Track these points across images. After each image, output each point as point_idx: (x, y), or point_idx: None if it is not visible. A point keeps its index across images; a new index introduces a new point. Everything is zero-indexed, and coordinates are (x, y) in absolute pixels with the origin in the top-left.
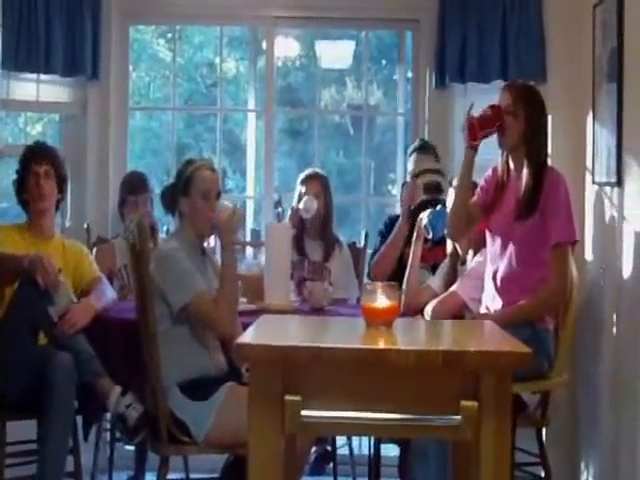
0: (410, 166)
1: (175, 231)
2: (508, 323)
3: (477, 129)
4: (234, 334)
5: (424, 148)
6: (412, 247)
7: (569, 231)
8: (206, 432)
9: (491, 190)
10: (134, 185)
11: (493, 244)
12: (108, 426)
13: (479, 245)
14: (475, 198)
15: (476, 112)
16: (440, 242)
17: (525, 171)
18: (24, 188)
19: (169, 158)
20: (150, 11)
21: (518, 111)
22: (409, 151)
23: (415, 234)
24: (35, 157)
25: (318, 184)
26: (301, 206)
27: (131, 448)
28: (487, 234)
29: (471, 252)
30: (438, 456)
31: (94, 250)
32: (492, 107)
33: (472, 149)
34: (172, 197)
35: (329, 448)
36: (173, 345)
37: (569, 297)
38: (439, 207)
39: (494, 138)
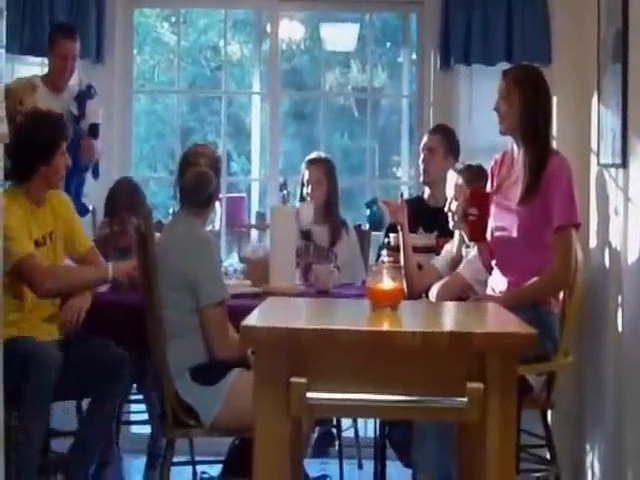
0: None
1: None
2: (512, 305)
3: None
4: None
5: (433, 131)
6: (400, 233)
7: (571, 214)
8: (214, 417)
9: (499, 174)
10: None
11: (498, 227)
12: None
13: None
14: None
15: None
16: (380, 226)
17: (523, 155)
18: (47, 162)
19: (174, 141)
20: None
21: (512, 96)
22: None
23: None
24: (65, 135)
25: (321, 169)
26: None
27: (140, 431)
28: (492, 216)
29: None
30: (437, 437)
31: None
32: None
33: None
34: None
35: (333, 430)
36: (188, 332)
37: (574, 279)
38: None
39: (496, 123)
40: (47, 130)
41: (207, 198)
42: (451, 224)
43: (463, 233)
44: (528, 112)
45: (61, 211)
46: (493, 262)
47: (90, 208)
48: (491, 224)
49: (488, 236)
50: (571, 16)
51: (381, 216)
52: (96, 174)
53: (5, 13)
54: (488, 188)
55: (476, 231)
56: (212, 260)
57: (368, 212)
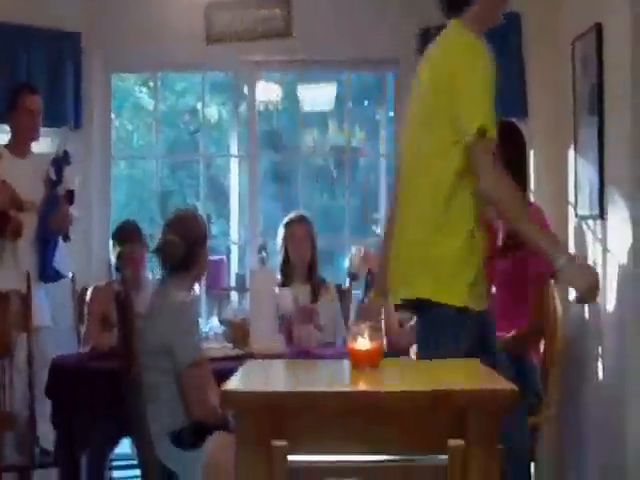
0: None
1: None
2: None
3: None
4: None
5: None
6: None
7: (545, 262)
8: None
9: None
10: (127, 235)
11: None
12: None
13: None
14: None
15: None
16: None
17: None
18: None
19: (153, 205)
20: (132, 59)
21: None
22: None
23: None
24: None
25: (304, 228)
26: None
27: None
28: None
29: None
30: None
31: (88, 293)
32: None
33: None
34: None
35: None
36: (167, 396)
37: (554, 331)
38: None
39: None
40: None
41: (179, 265)
42: None
43: None
44: (509, 165)
45: None
46: None
47: (70, 275)
48: None
49: None
50: (546, 70)
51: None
52: (66, 238)
53: None
54: None
55: None
56: (185, 322)
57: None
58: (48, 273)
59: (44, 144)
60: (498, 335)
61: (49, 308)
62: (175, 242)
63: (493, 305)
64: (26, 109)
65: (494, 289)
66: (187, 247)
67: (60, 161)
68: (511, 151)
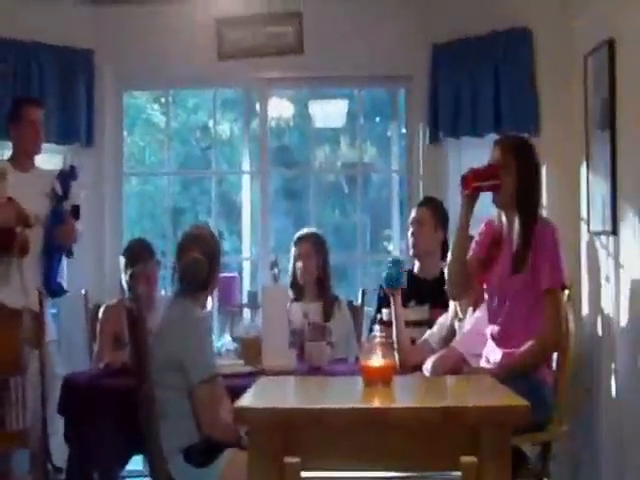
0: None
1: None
2: (506, 375)
3: (470, 180)
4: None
5: (422, 203)
6: (392, 306)
7: (558, 277)
8: None
9: (486, 245)
10: (138, 254)
11: (491, 300)
12: None
13: (477, 301)
14: (471, 253)
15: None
16: (396, 287)
17: (517, 225)
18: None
19: (165, 222)
20: (144, 77)
21: (509, 166)
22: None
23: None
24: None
25: (309, 245)
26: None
27: None
28: (485, 291)
29: (470, 308)
30: None
31: (100, 312)
32: (491, 165)
33: (466, 201)
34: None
35: None
36: (180, 413)
37: (566, 345)
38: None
39: (485, 194)
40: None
41: (202, 283)
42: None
43: (457, 306)
44: (524, 181)
45: None
46: (488, 333)
47: (83, 292)
48: (486, 300)
49: (483, 307)
50: (558, 86)
51: (398, 277)
52: (69, 254)
53: None
54: (470, 253)
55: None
56: (199, 339)
57: (387, 271)
58: (52, 288)
59: (56, 161)
60: (510, 352)
61: (53, 322)
62: (201, 261)
63: (506, 321)
64: (28, 121)
65: (507, 304)
66: (209, 265)
67: (66, 176)
68: (524, 168)
